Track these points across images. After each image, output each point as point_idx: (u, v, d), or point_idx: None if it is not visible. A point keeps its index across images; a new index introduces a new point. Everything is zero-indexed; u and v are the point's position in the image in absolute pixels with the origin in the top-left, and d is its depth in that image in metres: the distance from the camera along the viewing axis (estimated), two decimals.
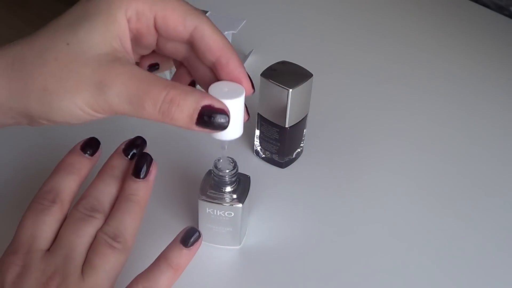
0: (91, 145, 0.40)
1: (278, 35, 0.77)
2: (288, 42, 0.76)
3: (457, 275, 0.47)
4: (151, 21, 0.35)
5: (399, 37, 0.79)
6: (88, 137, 0.40)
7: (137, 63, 0.38)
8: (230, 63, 0.37)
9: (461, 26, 0.82)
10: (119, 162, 0.40)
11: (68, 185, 0.38)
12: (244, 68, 0.37)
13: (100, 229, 0.37)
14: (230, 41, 0.68)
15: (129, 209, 0.37)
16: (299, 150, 0.56)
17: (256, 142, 0.56)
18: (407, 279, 0.46)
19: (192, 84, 0.40)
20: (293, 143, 0.55)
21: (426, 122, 0.63)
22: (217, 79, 0.38)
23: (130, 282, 0.36)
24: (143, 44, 0.37)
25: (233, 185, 0.44)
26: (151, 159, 0.39)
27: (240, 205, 0.44)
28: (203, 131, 0.34)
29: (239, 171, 0.44)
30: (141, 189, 0.38)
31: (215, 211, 0.45)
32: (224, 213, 0.45)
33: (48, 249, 0.36)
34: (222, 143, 0.41)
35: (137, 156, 0.39)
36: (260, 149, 0.56)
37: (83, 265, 0.35)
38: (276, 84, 0.50)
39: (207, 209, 0.45)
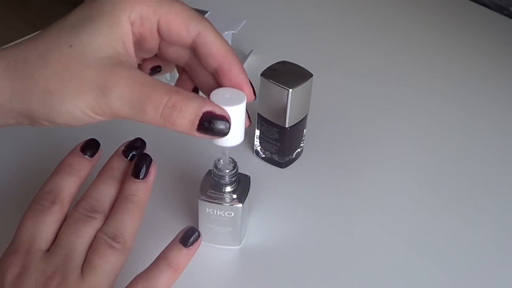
0: (91, 147, 0.40)
1: (278, 35, 0.77)
2: (288, 42, 0.76)
3: (457, 275, 0.47)
4: (155, 25, 0.35)
5: (399, 37, 0.79)
6: (88, 138, 0.40)
7: (139, 65, 0.38)
8: (233, 70, 0.37)
9: (461, 26, 0.82)
10: (118, 163, 0.40)
11: (68, 186, 0.38)
12: (246, 74, 0.38)
13: (100, 229, 0.37)
14: (230, 41, 0.69)
15: (129, 210, 0.37)
16: (299, 150, 0.56)
17: (256, 142, 0.56)
18: (407, 279, 0.46)
19: (195, 90, 0.41)
20: (293, 143, 0.55)
21: (426, 122, 0.63)
22: (218, 85, 0.38)
23: (130, 282, 0.36)
24: (145, 48, 0.37)
25: (233, 185, 0.44)
26: (151, 160, 0.39)
27: (240, 205, 0.44)
28: (203, 137, 0.34)
29: (239, 171, 0.44)
30: (140, 189, 0.38)
31: (215, 211, 0.45)
32: (224, 213, 0.45)
33: (48, 250, 0.36)
34: (223, 149, 0.41)
35: (136, 157, 0.40)
36: (260, 149, 0.56)
37: (82, 265, 0.35)
38: (276, 84, 0.50)
39: (207, 209, 0.45)
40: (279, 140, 0.53)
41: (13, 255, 0.35)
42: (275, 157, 0.55)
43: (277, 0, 0.86)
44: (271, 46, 0.74)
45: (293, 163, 0.56)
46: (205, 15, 0.68)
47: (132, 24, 0.35)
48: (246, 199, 0.45)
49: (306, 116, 0.54)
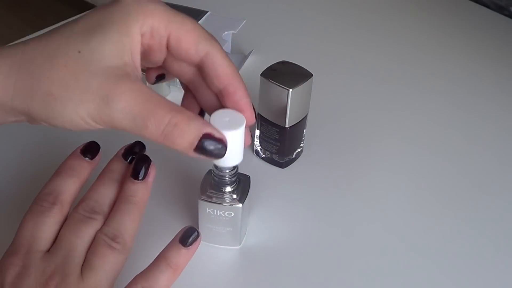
0: (91, 149, 0.40)
1: (278, 35, 0.77)
2: (288, 42, 0.76)
3: (457, 275, 0.47)
4: (164, 39, 0.36)
5: (399, 37, 0.79)
6: (88, 141, 0.41)
7: (143, 70, 0.38)
8: (238, 93, 0.37)
9: (461, 26, 0.82)
10: (118, 166, 0.40)
11: (68, 188, 0.38)
12: (250, 98, 0.38)
13: (100, 230, 0.37)
14: (230, 41, 0.69)
15: (128, 210, 0.38)
16: (299, 150, 0.56)
17: (256, 142, 0.56)
18: (407, 278, 0.46)
19: (201, 113, 0.41)
20: (293, 143, 0.55)
21: (426, 122, 0.63)
22: (220, 104, 0.39)
23: (129, 282, 0.36)
24: (150, 60, 0.37)
25: (233, 185, 0.44)
26: (150, 161, 0.39)
27: (240, 205, 0.44)
28: (198, 158, 0.35)
29: (239, 171, 0.44)
30: (139, 190, 0.38)
31: (215, 211, 0.45)
32: (224, 213, 0.45)
33: (48, 250, 0.36)
34: (223, 169, 0.42)
35: (135, 158, 0.40)
36: (260, 149, 0.56)
37: (82, 265, 0.35)
38: (276, 84, 0.50)
39: (207, 209, 0.45)
40: (279, 140, 0.53)
41: (13, 255, 0.35)
42: (275, 157, 0.55)
43: (277, 0, 0.86)
44: (271, 46, 0.74)
45: (293, 163, 0.56)
46: (205, 15, 0.69)
47: (142, 36, 0.35)
48: (246, 199, 0.45)
49: (306, 116, 0.54)
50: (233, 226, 0.46)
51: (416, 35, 0.79)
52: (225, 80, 0.37)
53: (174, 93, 0.62)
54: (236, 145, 0.37)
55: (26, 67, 0.32)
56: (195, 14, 0.68)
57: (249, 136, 0.39)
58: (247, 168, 0.46)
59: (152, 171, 0.39)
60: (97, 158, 0.40)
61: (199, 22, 0.68)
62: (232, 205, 0.44)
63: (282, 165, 0.55)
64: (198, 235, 0.39)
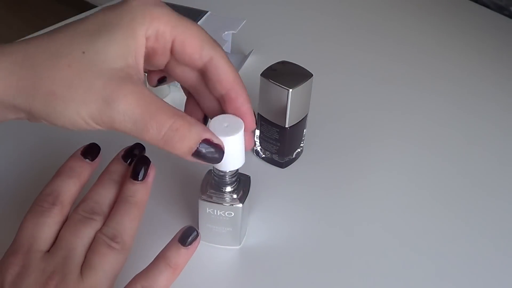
0: (91, 151, 0.40)
1: (278, 35, 0.77)
2: (288, 42, 0.76)
3: (457, 275, 0.47)
4: (169, 43, 0.36)
5: (399, 37, 0.79)
6: (89, 143, 0.41)
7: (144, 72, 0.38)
8: (239, 99, 0.38)
9: (461, 26, 0.82)
10: (118, 167, 0.40)
11: (68, 188, 0.38)
12: (251, 104, 0.39)
13: (99, 230, 0.37)
14: (230, 41, 0.69)
15: (128, 211, 0.38)
16: (299, 150, 0.56)
17: (256, 142, 0.56)
18: (407, 278, 0.46)
19: (205, 119, 0.41)
20: (293, 143, 0.55)
21: (426, 122, 0.63)
22: (221, 109, 0.39)
23: (129, 282, 0.37)
24: (153, 63, 0.37)
25: (233, 185, 0.44)
26: (149, 162, 0.39)
27: (240, 205, 0.44)
28: (195, 162, 0.35)
29: (239, 171, 0.44)
30: (139, 191, 0.38)
31: (215, 211, 0.45)
32: (224, 213, 0.45)
33: (48, 250, 0.36)
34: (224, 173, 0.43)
35: (135, 159, 0.40)
36: (260, 149, 0.56)
37: (82, 265, 0.36)
38: (276, 84, 0.50)
39: (207, 209, 0.45)
40: (279, 140, 0.53)
41: (13, 255, 0.35)
42: (275, 157, 0.55)
43: (277, 0, 0.86)
44: (271, 46, 0.74)
45: (293, 163, 0.56)
46: (205, 15, 0.69)
47: (147, 39, 0.35)
48: (246, 199, 0.45)
49: (306, 116, 0.54)
50: (233, 226, 0.46)
51: (416, 35, 0.79)
52: (228, 86, 0.37)
53: (174, 93, 0.62)
54: (235, 150, 0.38)
55: (29, 65, 0.32)
56: (195, 14, 0.68)
57: (252, 140, 0.40)
58: (247, 168, 0.46)
59: (152, 172, 0.39)
60: (97, 159, 0.40)
61: (199, 22, 0.68)
62: (232, 205, 0.44)
63: (282, 165, 0.55)
64: (197, 235, 0.39)
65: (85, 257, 0.36)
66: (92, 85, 0.32)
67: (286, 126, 0.52)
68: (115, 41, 0.33)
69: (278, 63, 0.53)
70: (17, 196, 0.50)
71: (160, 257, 0.38)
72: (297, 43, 0.76)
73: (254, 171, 0.49)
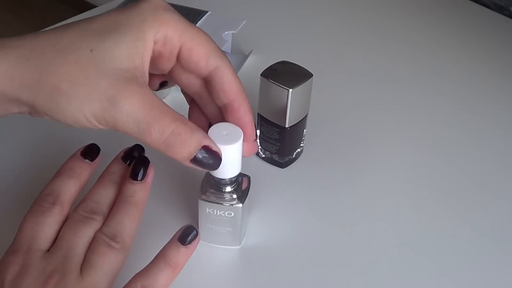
0: (91, 151, 0.40)
1: (278, 35, 0.77)
2: (288, 42, 0.76)
3: (457, 275, 0.47)
4: (176, 49, 0.36)
5: (399, 37, 0.79)
6: (89, 143, 0.41)
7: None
8: (241, 109, 0.38)
9: (461, 26, 0.82)
10: (118, 168, 0.41)
11: (68, 188, 0.38)
12: (252, 115, 0.39)
13: (99, 229, 0.37)
14: (230, 41, 0.69)
15: (127, 210, 0.38)
16: (299, 150, 0.56)
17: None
18: (408, 278, 0.46)
19: (209, 127, 0.42)
20: (293, 143, 0.55)
21: (426, 122, 0.63)
22: (221, 117, 0.40)
23: (129, 281, 0.37)
24: (158, 67, 0.37)
25: (233, 185, 0.44)
26: (148, 162, 0.40)
27: (240, 205, 0.44)
28: (192, 168, 0.36)
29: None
30: (139, 190, 0.39)
31: (215, 211, 0.45)
32: (224, 213, 0.45)
33: (48, 250, 0.36)
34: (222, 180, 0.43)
35: (134, 159, 0.40)
36: (260, 149, 0.56)
37: (82, 264, 0.36)
38: (276, 84, 0.50)
39: (207, 209, 0.45)
40: (279, 140, 0.53)
41: (13, 254, 0.36)
42: (275, 157, 0.55)
43: (277, 0, 0.86)
44: (271, 46, 0.74)
45: (293, 163, 0.56)
46: (205, 15, 0.69)
47: (155, 42, 0.35)
48: (246, 199, 0.45)
49: (306, 116, 0.54)
50: (233, 226, 0.46)
51: (416, 35, 0.79)
52: (231, 96, 0.38)
53: (174, 93, 0.62)
54: (233, 158, 0.39)
55: (35, 59, 0.32)
56: (195, 14, 0.68)
57: (256, 146, 0.41)
58: (247, 168, 0.46)
59: (151, 172, 0.39)
60: (97, 160, 0.41)
61: (199, 22, 0.68)
62: (232, 205, 0.44)
63: (282, 165, 0.55)
64: (197, 234, 0.39)
65: (85, 256, 0.36)
66: (97, 84, 0.32)
67: (286, 126, 0.52)
68: (123, 42, 0.33)
69: (278, 63, 0.53)
70: (17, 195, 0.50)
71: (160, 256, 0.38)
72: (297, 43, 0.76)
73: (254, 171, 0.49)
